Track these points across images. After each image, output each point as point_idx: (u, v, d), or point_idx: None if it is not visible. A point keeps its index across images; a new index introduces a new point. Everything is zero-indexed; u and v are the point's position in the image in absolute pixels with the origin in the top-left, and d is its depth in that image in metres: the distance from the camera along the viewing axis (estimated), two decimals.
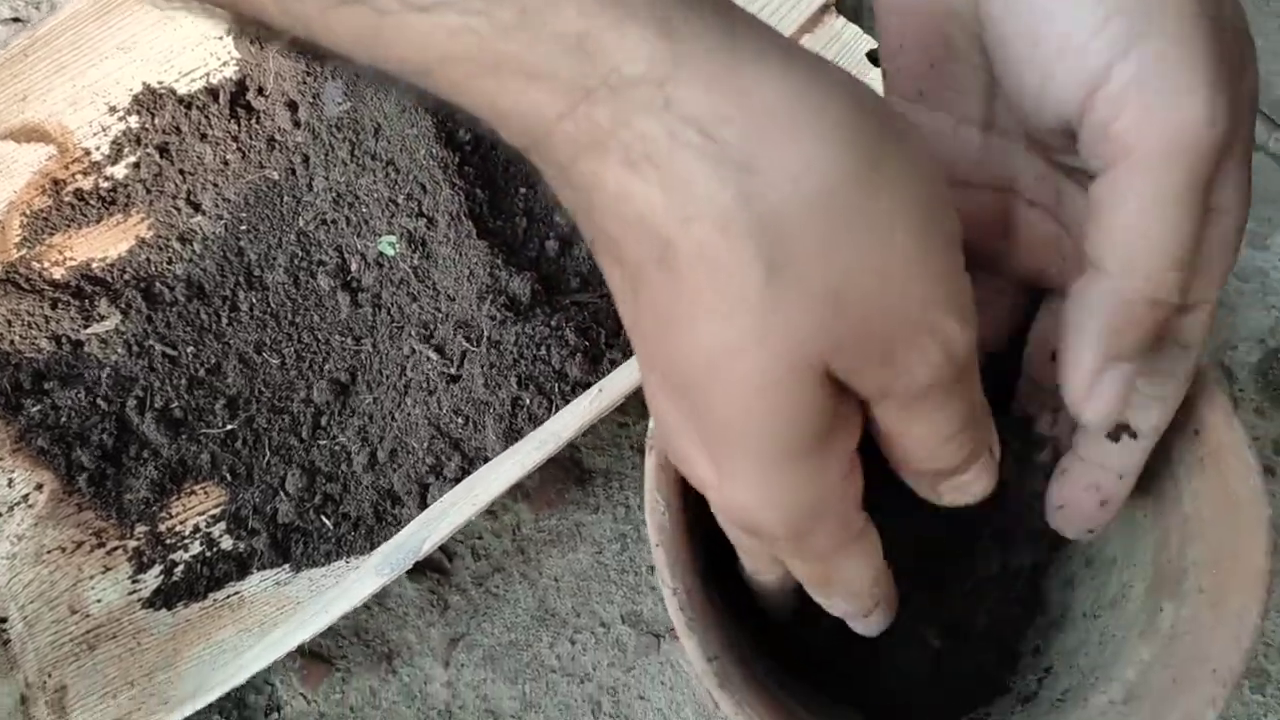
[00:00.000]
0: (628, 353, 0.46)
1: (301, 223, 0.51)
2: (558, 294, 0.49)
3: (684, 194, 0.21)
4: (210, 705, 0.46)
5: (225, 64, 0.53)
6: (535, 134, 0.22)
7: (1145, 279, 0.26)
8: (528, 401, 0.47)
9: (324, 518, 0.47)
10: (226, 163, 0.52)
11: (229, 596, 0.46)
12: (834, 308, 0.22)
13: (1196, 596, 0.34)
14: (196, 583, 0.45)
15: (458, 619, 0.49)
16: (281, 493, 0.47)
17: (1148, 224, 0.25)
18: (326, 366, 0.50)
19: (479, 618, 0.49)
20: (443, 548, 0.50)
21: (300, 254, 0.51)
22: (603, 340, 0.47)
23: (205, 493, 0.48)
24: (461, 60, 0.22)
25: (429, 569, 0.50)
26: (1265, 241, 0.55)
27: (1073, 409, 0.28)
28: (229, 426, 0.48)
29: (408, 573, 0.49)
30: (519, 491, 0.51)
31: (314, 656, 0.48)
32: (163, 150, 0.52)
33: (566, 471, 0.51)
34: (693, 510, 0.35)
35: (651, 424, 0.35)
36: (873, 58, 0.55)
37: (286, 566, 0.47)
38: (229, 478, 0.48)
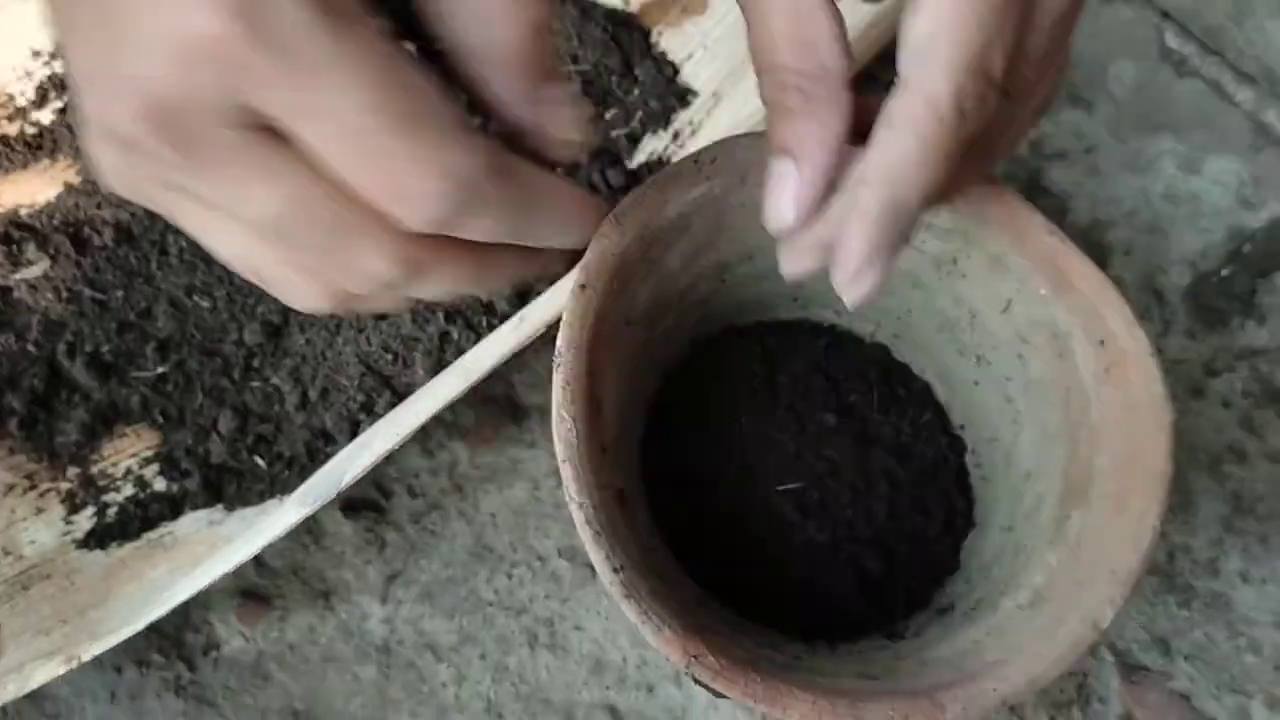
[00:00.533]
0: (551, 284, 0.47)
1: None
2: None
3: None
4: (149, 645, 0.47)
5: None
6: None
7: (946, 83, 0.27)
8: (456, 336, 0.47)
9: (257, 458, 0.47)
10: None
11: (162, 536, 0.46)
12: None
13: (1101, 503, 0.35)
14: (129, 523, 0.46)
15: (395, 556, 0.49)
16: (214, 434, 0.47)
17: (949, 27, 0.27)
18: (259, 309, 0.50)
19: (416, 555, 0.49)
20: (379, 487, 0.50)
21: None
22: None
23: (137, 435, 0.48)
24: None
25: (365, 508, 0.50)
26: (1197, 166, 0.56)
27: (837, 288, 0.31)
28: (160, 369, 0.48)
29: (344, 512, 0.50)
30: (455, 430, 0.51)
31: (251, 595, 0.48)
32: None
33: (502, 409, 0.51)
34: (604, 430, 0.36)
35: (558, 344, 0.35)
36: None
37: (220, 506, 0.47)
38: (161, 420, 0.48)
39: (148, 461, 0.48)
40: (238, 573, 0.48)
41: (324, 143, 0.24)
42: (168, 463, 0.47)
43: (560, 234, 0.31)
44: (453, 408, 0.51)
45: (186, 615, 0.48)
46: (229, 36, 0.22)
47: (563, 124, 0.29)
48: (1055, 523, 0.37)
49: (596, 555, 0.33)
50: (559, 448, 0.34)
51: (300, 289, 0.29)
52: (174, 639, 0.48)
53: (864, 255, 0.29)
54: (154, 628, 0.47)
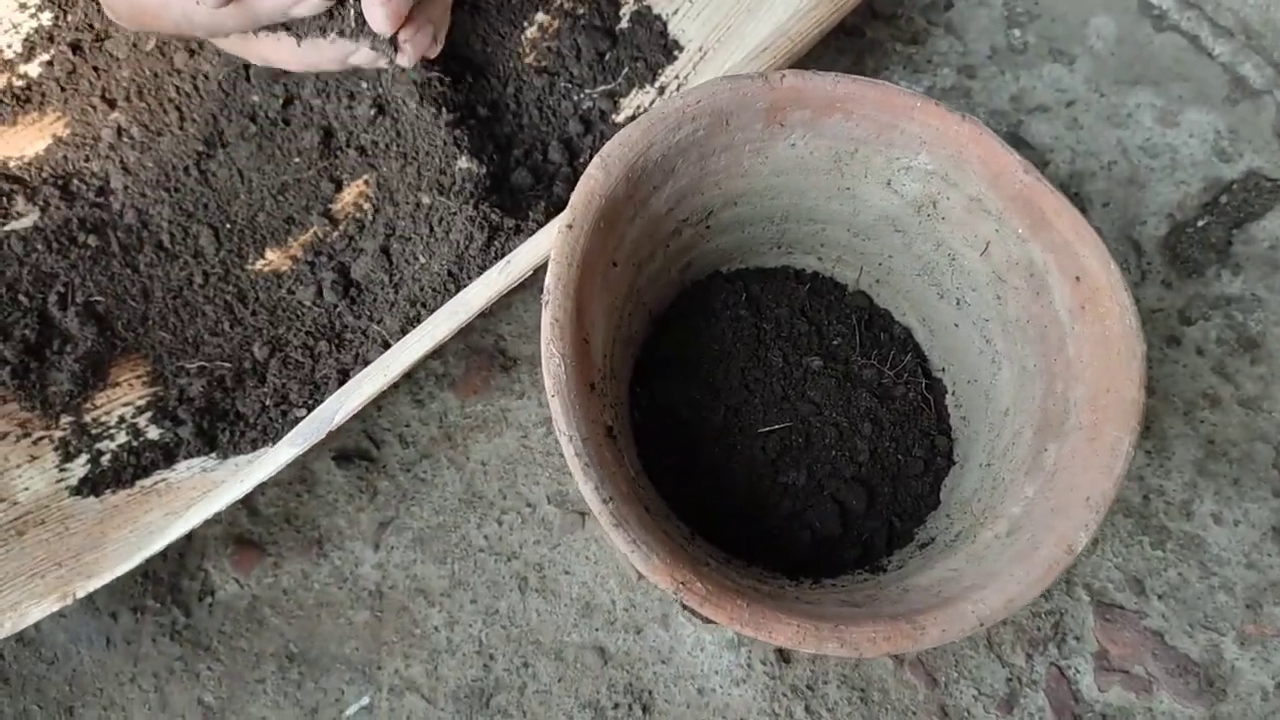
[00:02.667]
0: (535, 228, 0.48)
1: None
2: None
3: None
4: (144, 591, 0.48)
5: None
6: None
7: None
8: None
9: (249, 407, 0.48)
10: (140, 60, 0.52)
11: (156, 484, 0.46)
12: None
13: (1076, 433, 0.36)
14: (123, 471, 0.46)
15: (387, 504, 0.50)
16: (210, 382, 0.48)
17: None
18: (248, 251, 0.50)
19: (408, 502, 0.50)
20: (370, 436, 0.51)
21: None
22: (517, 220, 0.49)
23: (130, 385, 0.48)
24: None
25: (357, 457, 0.50)
26: (1175, 119, 0.56)
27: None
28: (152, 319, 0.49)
29: (337, 461, 0.50)
30: (445, 379, 0.52)
31: (246, 543, 0.49)
32: (75, 47, 0.52)
33: (491, 359, 0.52)
34: (592, 368, 0.36)
35: (546, 283, 0.36)
36: None
37: (214, 454, 0.47)
38: (154, 369, 0.48)
39: (141, 410, 0.48)
40: (232, 520, 0.49)
41: None
42: (161, 411, 0.48)
43: None
44: (443, 358, 0.52)
45: (182, 562, 0.49)
46: None
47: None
48: (1032, 455, 0.38)
49: (586, 486, 0.33)
50: (548, 382, 0.34)
51: None
52: (169, 585, 0.48)
53: None
54: (149, 574, 0.48)
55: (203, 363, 0.49)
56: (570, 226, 0.36)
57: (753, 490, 0.43)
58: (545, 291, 0.35)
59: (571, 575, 0.49)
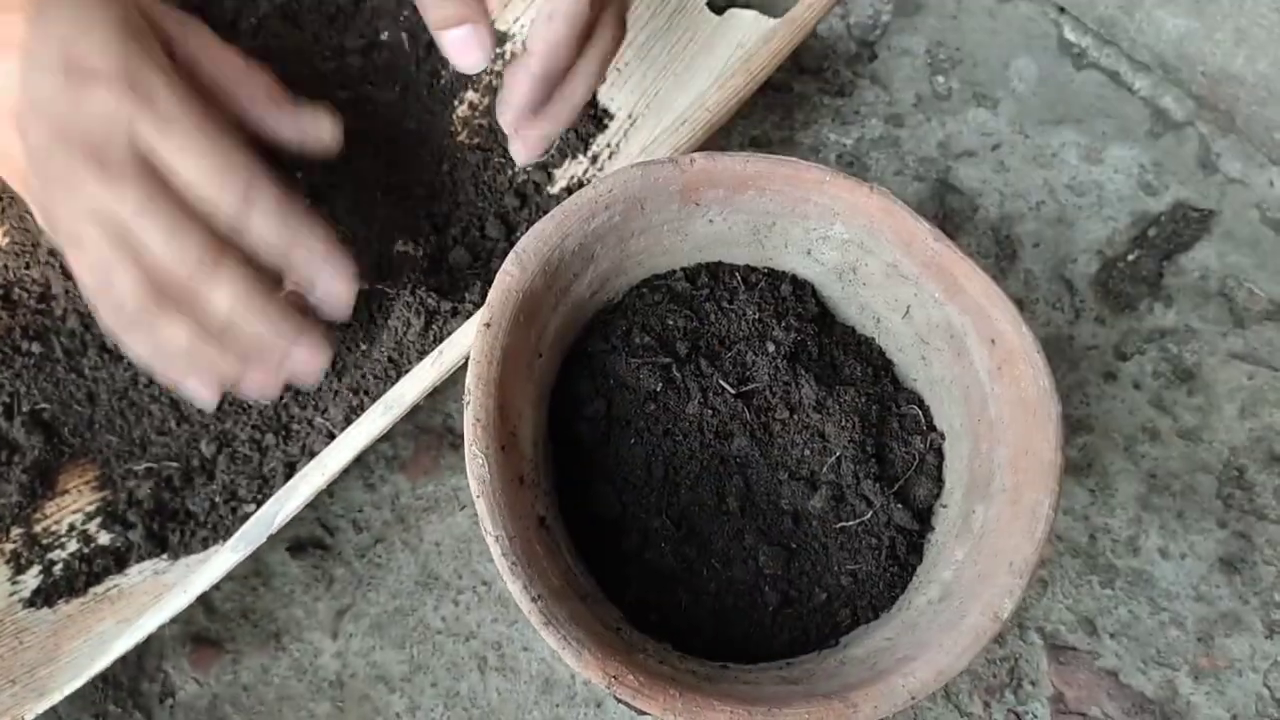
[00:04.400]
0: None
1: None
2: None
3: None
4: (105, 696, 0.48)
5: None
6: None
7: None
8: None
9: (199, 506, 0.48)
10: None
11: (109, 590, 0.47)
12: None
13: (1001, 496, 0.36)
14: (76, 579, 0.46)
15: (343, 591, 0.50)
16: (159, 483, 0.48)
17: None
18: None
19: (364, 588, 0.50)
20: (323, 524, 0.51)
21: None
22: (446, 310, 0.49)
23: (79, 491, 0.49)
24: None
25: (311, 546, 0.51)
26: (1100, 155, 0.57)
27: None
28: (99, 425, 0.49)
29: (291, 552, 0.50)
30: (395, 462, 0.52)
31: (203, 640, 0.49)
32: None
33: (440, 438, 0.52)
34: (521, 461, 0.37)
35: (467, 383, 0.36)
36: (713, 6, 0.57)
37: (165, 556, 0.47)
38: (103, 473, 0.49)
39: (90, 516, 0.48)
40: (189, 619, 0.49)
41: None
42: (110, 516, 0.48)
43: (312, 259, 0.42)
44: (392, 441, 0.52)
45: (141, 665, 0.49)
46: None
47: (310, 128, 0.46)
48: (962, 518, 0.38)
49: (514, 585, 0.34)
50: (473, 484, 0.35)
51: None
52: (129, 689, 0.48)
53: (522, 96, 0.45)
54: (109, 679, 0.48)
55: (150, 464, 0.49)
56: (488, 325, 0.36)
57: (691, 576, 0.41)
58: (465, 392, 0.36)
59: (530, 651, 0.49)
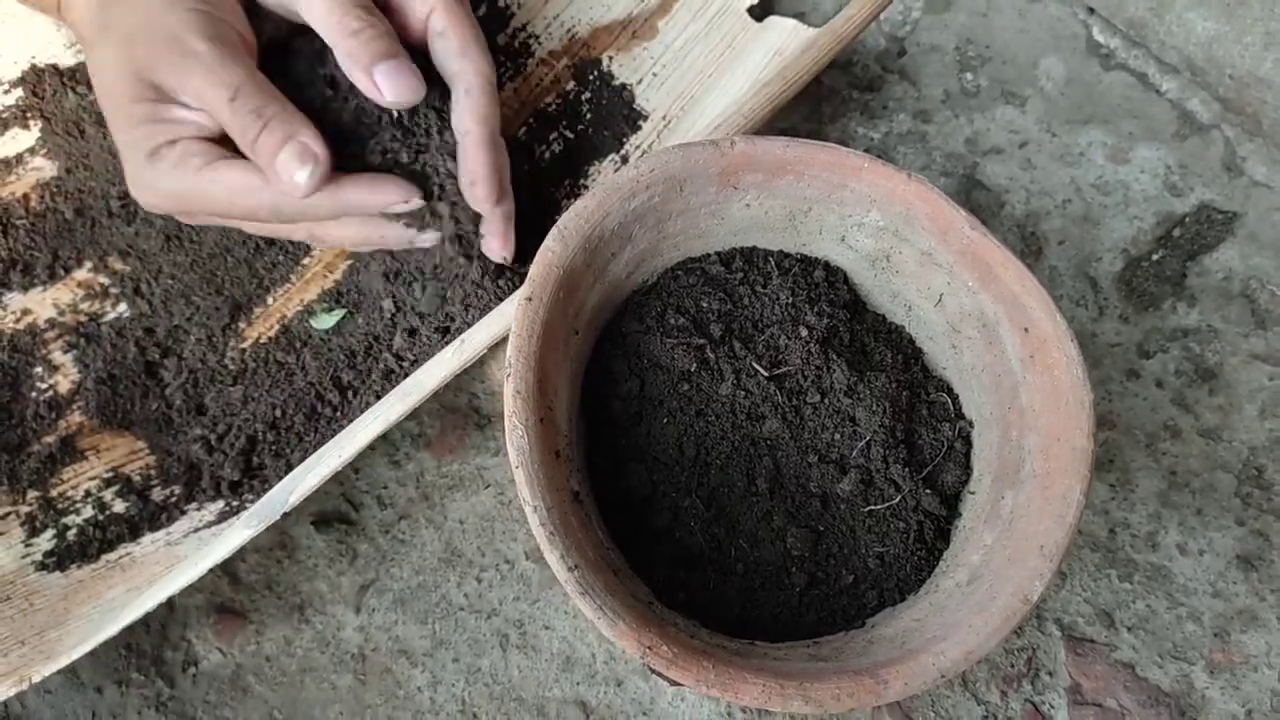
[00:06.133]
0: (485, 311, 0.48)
1: None
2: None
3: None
4: (128, 664, 0.48)
5: None
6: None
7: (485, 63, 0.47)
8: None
9: (214, 481, 0.49)
10: None
11: (120, 557, 0.47)
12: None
13: (1031, 482, 0.37)
14: (89, 545, 0.47)
15: (367, 566, 0.50)
16: (174, 454, 0.49)
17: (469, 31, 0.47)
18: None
19: (387, 563, 0.50)
20: (349, 499, 0.51)
21: None
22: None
23: (97, 458, 0.49)
24: None
25: (336, 520, 0.51)
26: (1126, 155, 0.58)
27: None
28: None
29: (316, 526, 0.51)
30: (421, 440, 0.52)
31: (227, 611, 0.49)
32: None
33: (466, 418, 0.53)
34: (557, 435, 0.37)
35: (508, 355, 0.37)
36: (752, 12, 0.57)
37: (177, 526, 0.48)
38: (129, 439, 0.49)
39: (107, 484, 0.49)
40: (213, 589, 0.50)
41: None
42: (126, 484, 0.48)
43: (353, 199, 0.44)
44: (418, 418, 0.53)
45: (164, 633, 0.49)
46: None
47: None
48: (991, 503, 0.39)
49: (551, 555, 0.34)
50: (512, 454, 0.35)
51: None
52: (153, 657, 0.49)
53: (484, 166, 0.44)
54: (132, 646, 0.49)
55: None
56: (530, 299, 0.37)
57: (718, 557, 0.42)
58: (506, 364, 0.36)
59: (551, 630, 0.49)
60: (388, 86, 0.43)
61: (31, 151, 0.54)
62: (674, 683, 0.33)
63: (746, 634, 0.39)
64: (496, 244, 0.46)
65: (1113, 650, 0.48)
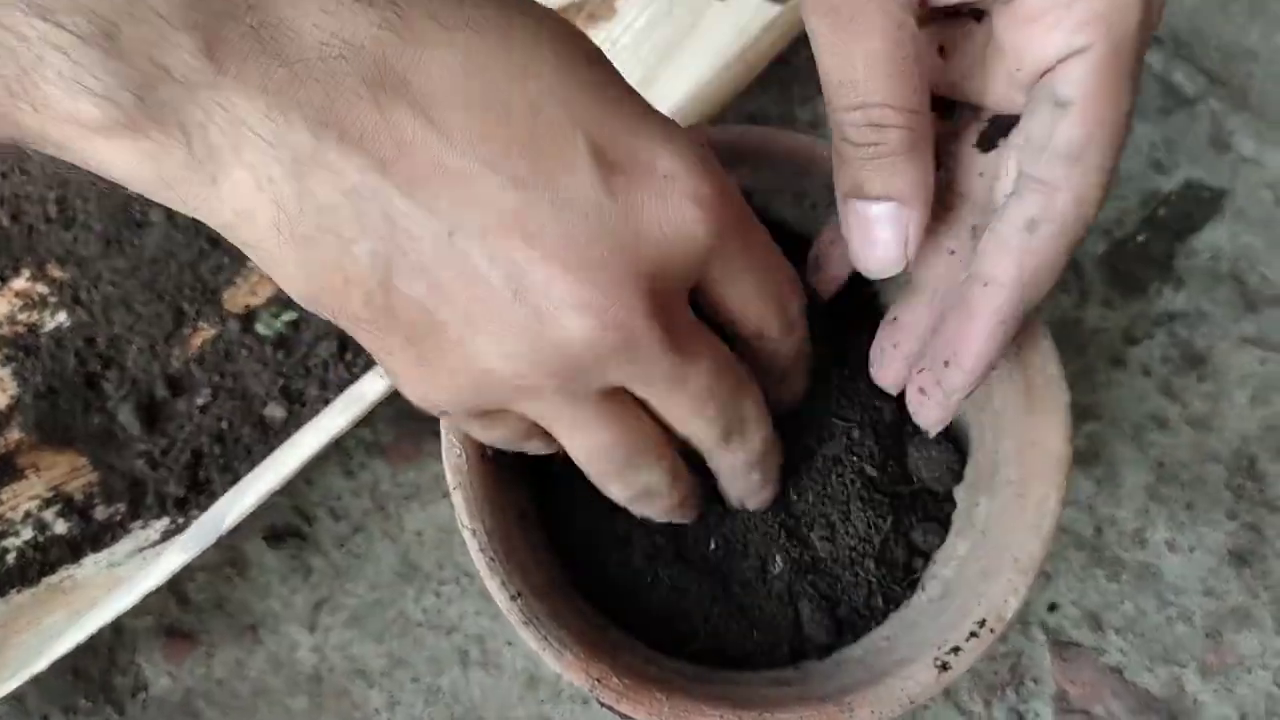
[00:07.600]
0: None
1: None
2: None
3: None
4: (75, 690, 0.46)
5: None
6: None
7: (1098, 189, 0.29)
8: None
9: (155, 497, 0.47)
10: None
11: (62, 580, 0.45)
12: None
13: (1005, 489, 0.35)
14: (29, 568, 0.45)
15: (321, 582, 0.48)
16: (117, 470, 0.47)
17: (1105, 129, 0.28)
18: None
19: (342, 579, 0.48)
20: (301, 512, 0.49)
21: None
22: None
23: (37, 476, 0.47)
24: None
25: (288, 534, 0.49)
26: None
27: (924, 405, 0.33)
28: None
29: (267, 541, 0.49)
30: (375, 448, 0.50)
31: (176, 633, 0.47)
32: None
33: (422, 424, 0.51)
34: (499, 453, 0.35)
35: None
36: None
37: (119, 546, 0.46)
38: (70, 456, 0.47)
39: (47, 503, 0.47)
40: (161, 610, 0.48)
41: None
42: (68, 504, 0.47)
43: None
44: (372, 425, 0.51)
45: (112, 657, 0.47)
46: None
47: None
48: (965, 511, 0.36)
49: (491, 583, 0.32)
50: (449, 475, 0.33)
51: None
52: (100, 682, 0.47)
53: (985, 357, 0.30)
54: (79, 672, 0.47)
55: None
56: None
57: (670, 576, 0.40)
58: None
59: (514, 646, 0.47)
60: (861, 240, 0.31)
61: None
62: (625, 717, 0.31)
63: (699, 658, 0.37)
64: None
65: (1100, 654, 0.46)
